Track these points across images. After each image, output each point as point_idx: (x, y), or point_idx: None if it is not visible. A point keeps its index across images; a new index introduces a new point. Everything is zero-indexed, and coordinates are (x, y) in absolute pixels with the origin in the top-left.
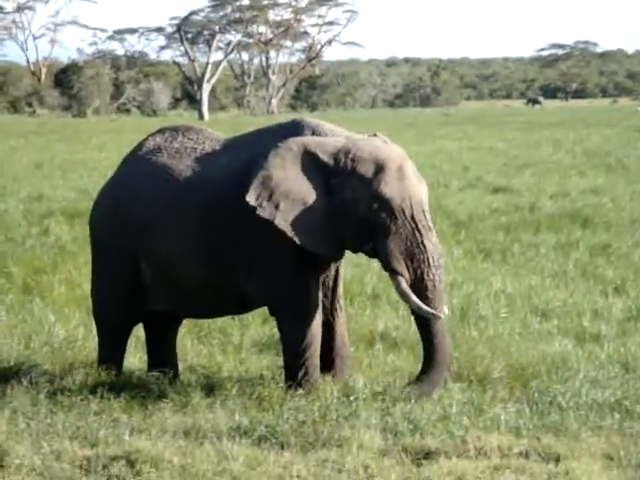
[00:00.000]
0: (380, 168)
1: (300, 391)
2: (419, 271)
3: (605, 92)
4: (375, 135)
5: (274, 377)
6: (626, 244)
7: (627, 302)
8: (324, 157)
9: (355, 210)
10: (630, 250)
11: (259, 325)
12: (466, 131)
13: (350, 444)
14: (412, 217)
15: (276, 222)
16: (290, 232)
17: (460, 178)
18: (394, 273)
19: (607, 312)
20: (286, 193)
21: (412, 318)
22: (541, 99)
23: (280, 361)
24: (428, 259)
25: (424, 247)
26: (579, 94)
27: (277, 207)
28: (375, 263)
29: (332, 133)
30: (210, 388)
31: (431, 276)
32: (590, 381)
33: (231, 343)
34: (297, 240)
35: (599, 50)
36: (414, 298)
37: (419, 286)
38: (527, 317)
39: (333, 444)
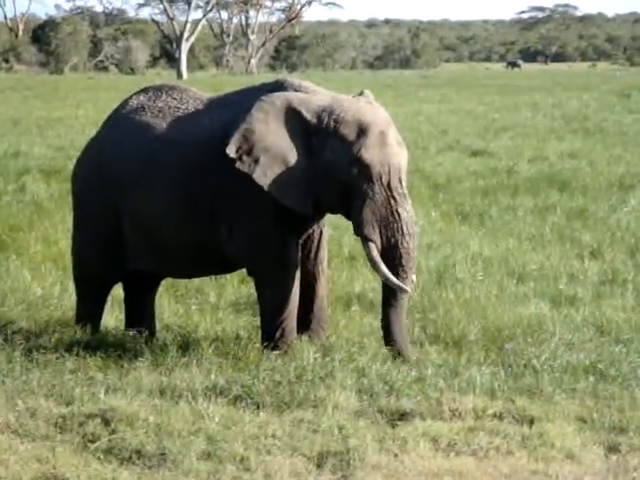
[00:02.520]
0: (362, 132)
1: (276, 352)
2: (393, 239)
3: (584, 56)
4: (361, 94)
5: (250, 337)
6: (603, 208)
7: (603, 266)
8: (307, 115)
9: (333, 172)
10: (606, 214)
11: (236, 285)
12: (445, 94)
13: (326, 405)
14: (388, 184)
15: (254, 176)
16: (267, 187)
17: (439, 141)
18: (366, 240)
19: (583, 275)
20: (267, 148)
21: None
22: (520, 62)
23: (257, 321)
24: (402, 227)
25: (398, 215)
26: (558, 58)
27: (257, 161)
28: None
29: (315, 93)
30: (186, 347)
31: (405, 244)
32: (565, 344)
33: (208, 303)
34: (274, 195)
35: (579, 13)
36: (383, 268)
37: (392, 254)
38: (504, 280)
39: (309, 404)
